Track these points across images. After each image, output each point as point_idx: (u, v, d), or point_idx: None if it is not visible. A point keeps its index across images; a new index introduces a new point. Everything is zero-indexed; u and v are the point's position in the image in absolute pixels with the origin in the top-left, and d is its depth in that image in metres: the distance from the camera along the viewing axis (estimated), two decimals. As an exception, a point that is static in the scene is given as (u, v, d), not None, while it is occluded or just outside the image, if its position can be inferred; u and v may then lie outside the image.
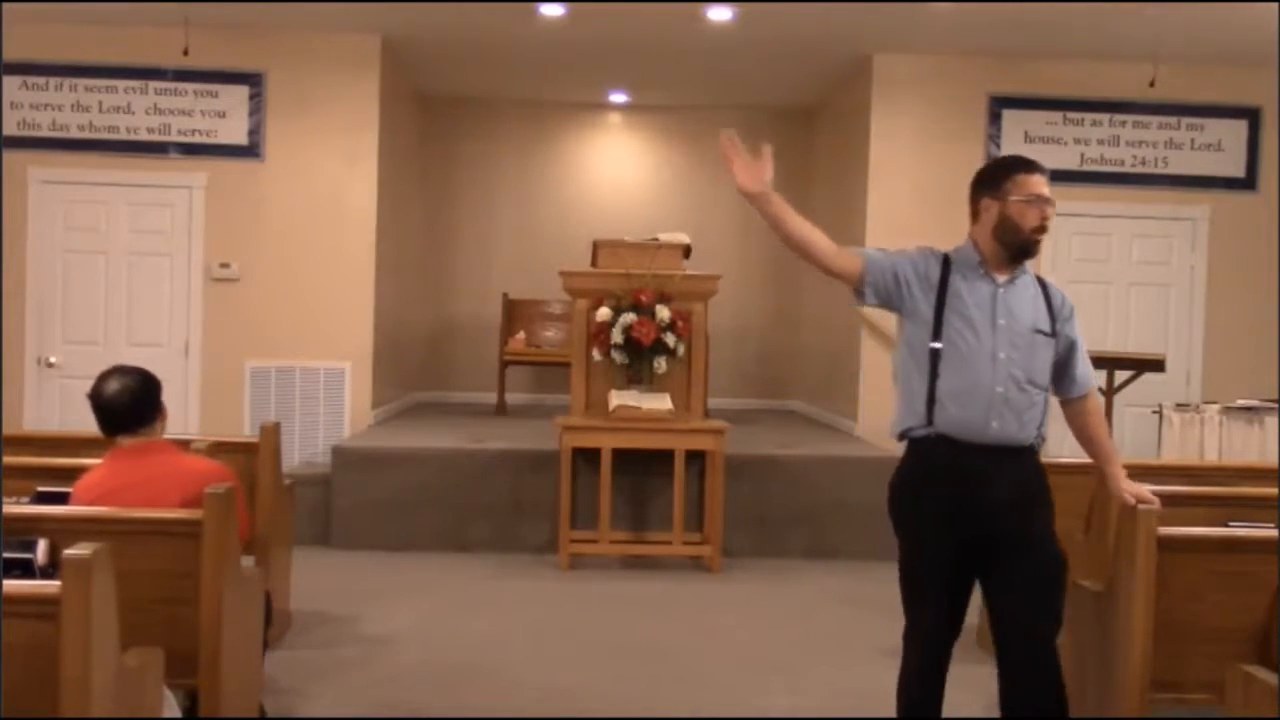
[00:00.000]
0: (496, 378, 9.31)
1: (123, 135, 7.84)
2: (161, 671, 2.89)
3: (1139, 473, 3.63)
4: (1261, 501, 3.98)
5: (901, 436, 3.21)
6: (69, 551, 2.44)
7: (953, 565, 3.11)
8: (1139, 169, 8.17)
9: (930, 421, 3.10)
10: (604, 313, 6.51)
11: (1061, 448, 4.39)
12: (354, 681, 4.41)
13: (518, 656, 4.78)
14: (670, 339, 6.46)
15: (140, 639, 2.83)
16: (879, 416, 7.89)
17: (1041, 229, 3.10)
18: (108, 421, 3.52)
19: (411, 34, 7.97)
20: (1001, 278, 3.15)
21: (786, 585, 6.18)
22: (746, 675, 4.62)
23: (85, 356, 7.54)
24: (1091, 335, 3.66)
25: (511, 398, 9.46)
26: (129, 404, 3.50)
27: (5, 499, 3.40)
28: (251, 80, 7.87)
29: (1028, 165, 3.17)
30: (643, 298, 6.47)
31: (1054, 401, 3.25)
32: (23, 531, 3.10)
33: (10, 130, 7.73)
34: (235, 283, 7.89)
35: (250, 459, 4.82)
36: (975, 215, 3.20)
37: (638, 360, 6.50)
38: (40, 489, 3.69)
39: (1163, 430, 6.82)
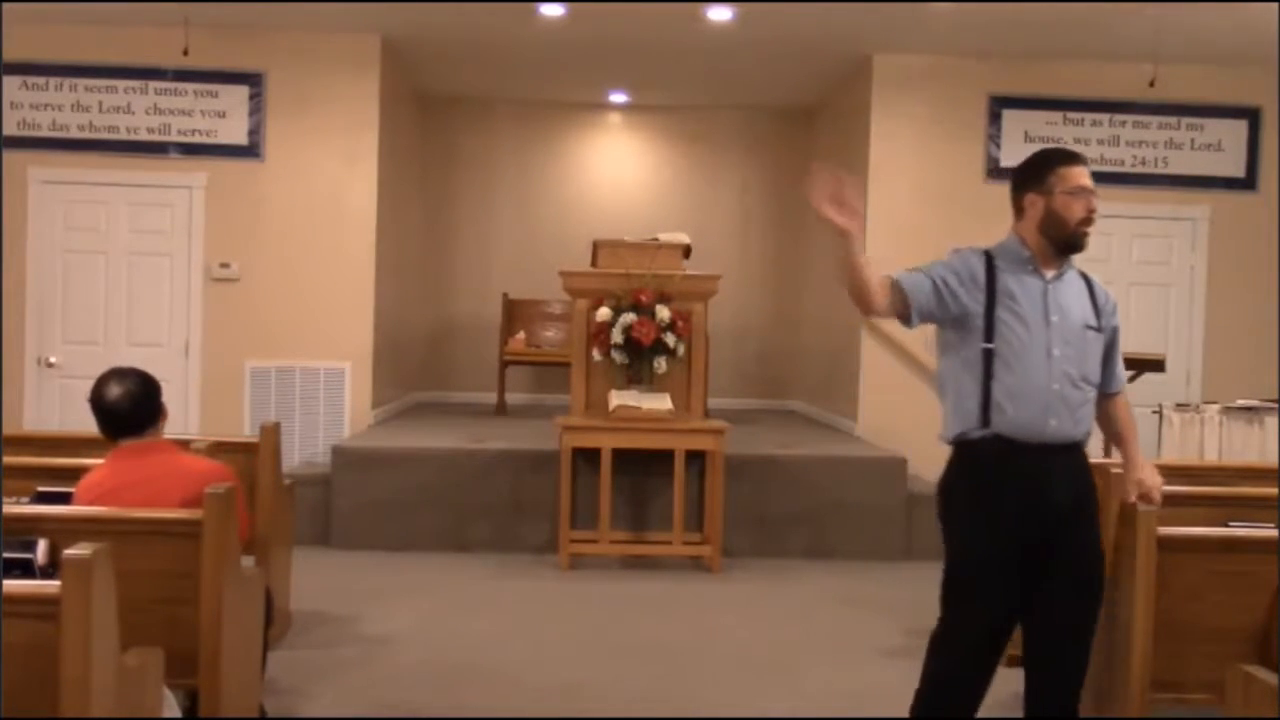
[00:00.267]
0: (496, 378, 9.31)
1: (123, 135, 7.84)
2: (161, 671, 2.89)
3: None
4: (1261, 501, 3.98)
5: (954, 441, 3.14)
6: (69, 551, 2.44)
7: (1016, 567, 3.03)
8: (1139, 169, 8.17)
9: (987, 423, 3.03)
10: (604, 313, 6.51)
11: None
12: (354, 681, 4.41)
13: (518, 656, 4.78)
14: (670, 339, 6.46)
15: (140, 639, 2.82)
16: (879, 416, 7.95)
17: (1088, 220, 3.04)
18: (109, 426, 3.52)
19: (411, 34, 7.97)
20: (1050, 273, 3.10)
21: (786, 585, 6.17)
22: (746, 675, 4.62)
23: (85, 356, 7.54)
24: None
25: (511, 398, 9.45)
26: (130, 408, 3.50)
27: (5, 499, 3.40)
28: (251, 80, 7.87)
29: (1070, 157, 3.12)
30: (643, 298, 6.47)
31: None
32: (23, 531, 3.10)
33: (10, 130, 7.72)
34: (235, 283, 7.89)
35: (250, 459, 4.82)
36: (1020, 212, 3.14)
37: (638, 360, 6.50)
38: (40, 489, 3.69)
39: (1163, 430, 6.80)
